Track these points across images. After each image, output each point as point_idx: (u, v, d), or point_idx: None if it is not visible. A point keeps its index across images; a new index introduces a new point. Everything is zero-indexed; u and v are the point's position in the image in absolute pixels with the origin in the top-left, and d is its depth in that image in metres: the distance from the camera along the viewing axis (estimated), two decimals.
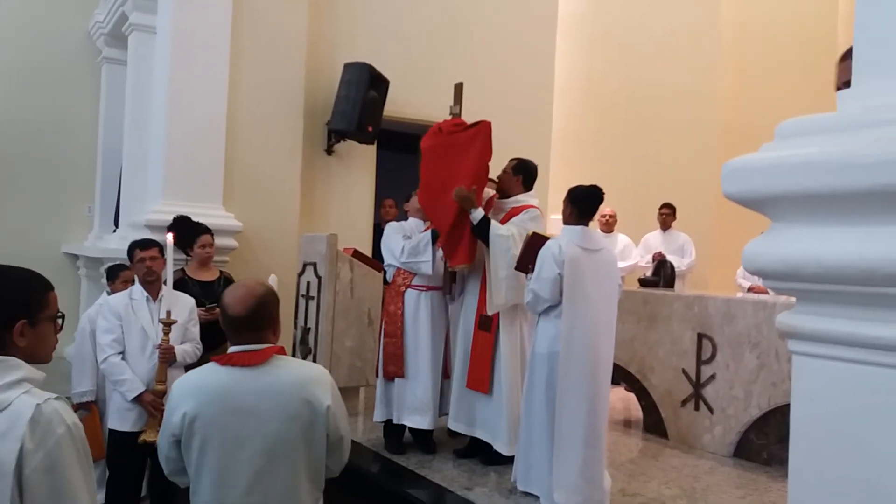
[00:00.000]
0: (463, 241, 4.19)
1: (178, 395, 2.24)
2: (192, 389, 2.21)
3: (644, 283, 5.90)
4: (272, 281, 2.62)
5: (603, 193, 3.70)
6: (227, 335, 2.28)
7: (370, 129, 6.13)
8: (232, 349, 2.24)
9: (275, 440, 2.19)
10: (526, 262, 3.83)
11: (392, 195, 6.95)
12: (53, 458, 1.50)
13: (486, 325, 4.08)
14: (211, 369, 2.24)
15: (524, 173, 4.33)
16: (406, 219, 4.73)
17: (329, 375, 2.35)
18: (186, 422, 2.17)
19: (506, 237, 4.06)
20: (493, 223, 4.15)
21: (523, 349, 4.07)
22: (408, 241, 4.40)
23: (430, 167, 4.26)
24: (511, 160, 4.40)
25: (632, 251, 7.22)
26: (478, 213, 4.14)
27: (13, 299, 1.61)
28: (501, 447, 3.93)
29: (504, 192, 4.31)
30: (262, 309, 2.23)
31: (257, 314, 2.22)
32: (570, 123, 7.67)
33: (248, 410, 2.16)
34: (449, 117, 4.60)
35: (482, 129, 4.25)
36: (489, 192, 4.42)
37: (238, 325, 2.22)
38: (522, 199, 4.30)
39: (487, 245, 4.10)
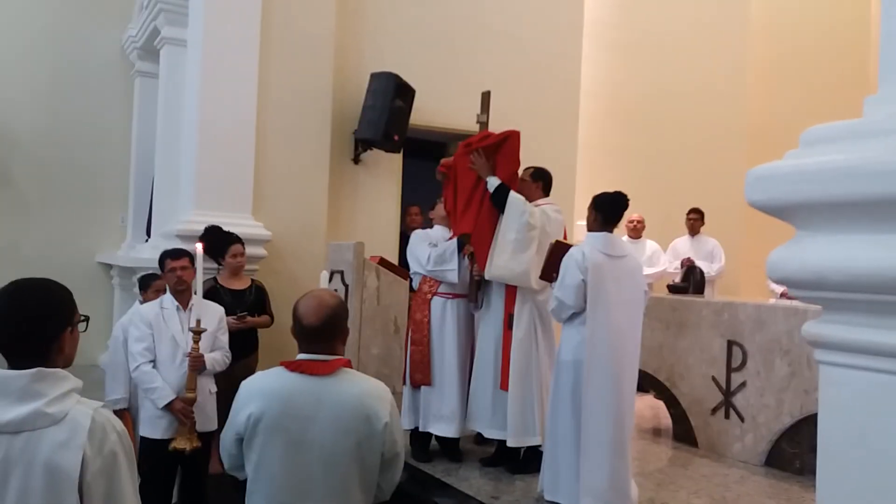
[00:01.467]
0: (478, 214, 4.09)
1: (245, 395, 2.27)
2: (259, 391, 2.24)
3: (673, 289, 5.90)
4: (323, 278, 2.71)
5: (627, 200, 3.66)
6: (298, 343, 2.30)
7: (396, 137, 6.16)
8: (301, 356, 2.27)
9: (332, 450, 2.22)
10: (550, 269, 3.80)
11: (418, 203, 6.97)
12: (108, 463, 1.57)
13: (513, 324, 4.08)
14: (279, 373, 2.27)
15: (543, 179, 4.33)
16: (431, 227, 4.72)
17: (389, 392, 2.38)
18: (251, 422, 2.20)
19: (523, 203, 4.07)
20: (512, 191, 4.13)
21: (537, 348, 3.99)
22: (434, 248, 4.38)
23: (463, 178, 4.20)
24: (527, 169, 4.37)
25: (660, 257, 7.15)
26: (494, 180, 4.12)
27: (64, 310, 1.67)
28: (508, 439, 3.90)
29: (526, 198, 4.12)
30: (334, 320, 2.26)
31: (329, 325, 2.25)
32: (596, 128, 7.64)
33: (309, 417, 2.19)
34: (476, 126, 4.58)
35: (513, 137, 4.20)
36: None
37: (309, 334, 2.24)
38: (542, 203, 4.20)
39: (501, 211, 4.04)
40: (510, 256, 4.03)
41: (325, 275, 2.79)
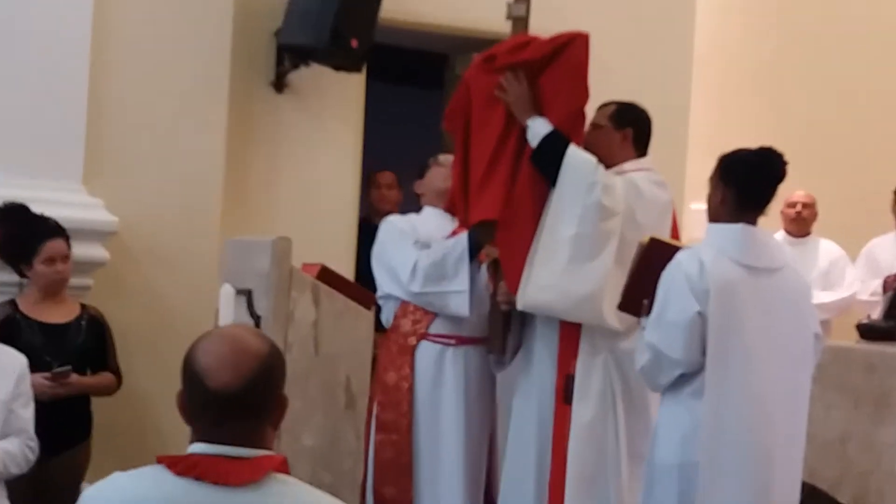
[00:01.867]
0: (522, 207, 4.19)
1: None
2: None
3: (868, 331, 5.63)
4: (225, 299, 2.78)
5: (784, 164, 3.60)
6: (191, 423, 2.16)
7: (354, 42, 5.87)
8: (197, 449, 2.12)
9: None
10: (639, 293, 3.70)
11: (393, 165, 6.74)
12: None
13: (572, 394, 4.08)
14: (155, 479, 2.12)
15: (634, 125, 4.24)
16: (418, 209, 4.70)
17: None
18: None
19: (594, 166, 4.04)
20: (573, 146, 4.11)
21: (616, 438, 4.05)
22: (424, 252, 4.35)
23: (483, 121, 4.22)
24: (604, 105, 4.27)
25: (845, 271, 6.90)
26: (541, 124, 4.10)
27: None
28: None
29: (597, 155, 4.13)
30: (264, 382, 2.09)
31: (255, 390, 2.08)
32: (724, 50, 7.68)
33: None
34: (505, 27, 4.45)
35: (576, 44, 4.11)
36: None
37: (220, 407, 2.09)
38: (632, 169, 4.20)
39: (553, 182, 4.08)
40: (566, 268, 3.99)
41: (226, 293, 2.74)
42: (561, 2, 6.13)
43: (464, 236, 4.30)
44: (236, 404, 2.12)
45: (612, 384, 4.11)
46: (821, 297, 6.32)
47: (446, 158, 4.69)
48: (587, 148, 4.15)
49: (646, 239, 3.78)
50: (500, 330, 4.27)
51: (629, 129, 4.21)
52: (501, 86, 4.15)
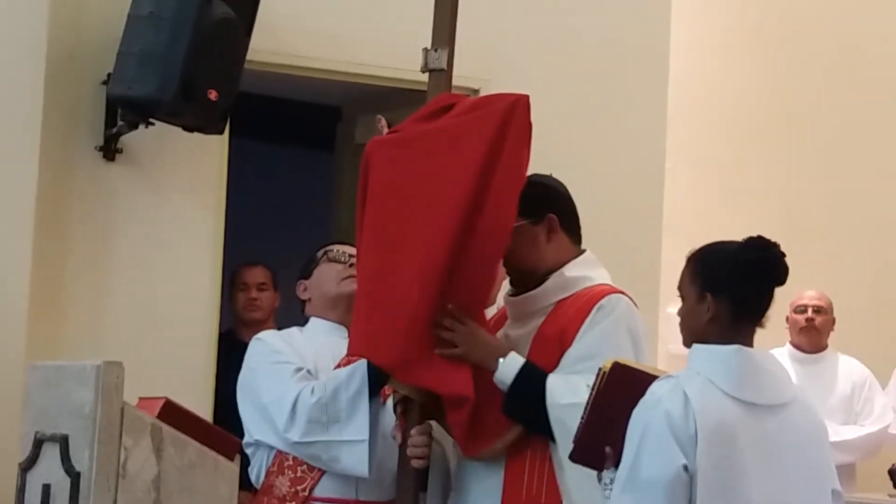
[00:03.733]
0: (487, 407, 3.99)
1: None
2: None
3: None
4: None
5: (782, 256, 3.43)
6: None
7: (213, 94, 5.76)
8: None
9: None
10: (598, 436, 3.59)
11: (267, 258, 6.53)
12: None
13: None
14: None
15: (553, 206, 4.10)
16: (302, 320, 4.51)
17: None
18: None
19: (581, 407, 3.81)
20: (552, 380, 3.91)
21: None
22: (309, 385, 4.13)
23: (389, 194, 4.13)
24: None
25: (874, 397, 7.04)
26: (511, 365, 3.92)
27: None
28: None
29: (522, 266, 4.12)
30: None
31: None
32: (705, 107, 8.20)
33: None
34: (416, 70, 4.28)
35: (520, 109, 3.91)
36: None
37: None
38: (574, 272, 4.07)
39: (542, 431, 3.94)
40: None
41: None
42: (499, 48, 6.17)
43: (363, 364, 4.10)
44: None
45: None
46: (842, 432, 6.58)
47: (342, 252, 4.50)
48: (510, 264, 4.07)
49: (607, 365, 3.64)
50: (412, 495, 4.16)
51: (551, 216, 4.05)
52: (443, 340, 3.99)
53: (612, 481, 3.57)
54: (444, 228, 4.04)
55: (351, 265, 4.44)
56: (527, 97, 4.00)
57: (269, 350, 4.37)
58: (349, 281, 4.42)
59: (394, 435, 4.13)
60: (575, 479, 3.93)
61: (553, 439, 3.89)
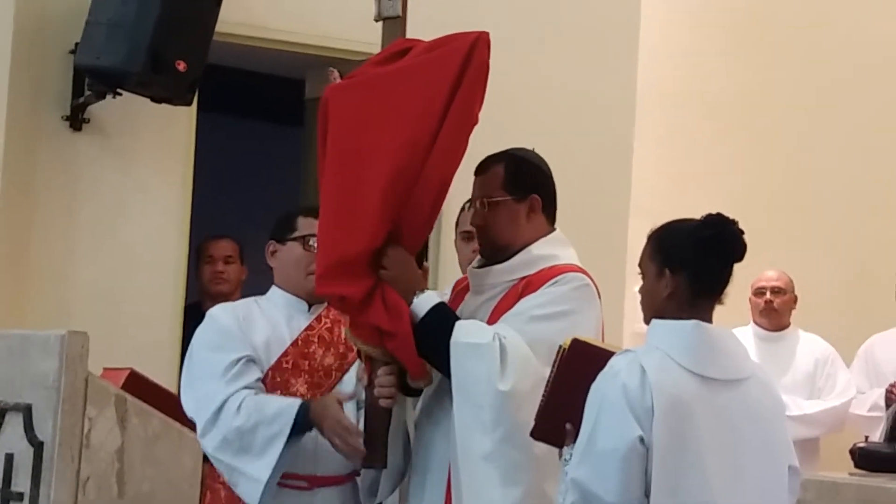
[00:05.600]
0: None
1: None
2: None
3: (865, 458, 5.62)
4: None
5: (740, 234, 3.44)
6: None
7: (181, 65, 5.81)
8: None
9: None
10: (558, 414, 3.61)
11: (233, 230, 6.55)
12: None
13: None
14: None
15: (541, 188, 4.14)
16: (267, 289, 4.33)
17: None
18: None
19: (483, 348, 3.91)
20: (462, 322, 3.95)
21: None
22: (239, 395, 4.10)
23: (348, 138, 4.13)
24: (484, 169, 4.17)
25: (836, 373, 6.97)
26: (426, 300, 3.98)
27: None
28: None
29: (497, 239, 4.12)
30: None
31: None
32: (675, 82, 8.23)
33: None
34: (373, 33, 4.28)
35: (479, 49, 3.94)
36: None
37: None
38: (542, 250, 4.10)
39: (448, 375, 3.93)
40: (499, 491, 3.94)
41: None
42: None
43: (292, 409, 4.09)
44: None
45: None
46: (805, 406, 6.67)
47: (307, 223, 4.37)
48: (485, 236, 4.11)
49: (567, 342, 3.66)
50: (382, 434, 4.16)
51: (534, 197, 4.09)
52: (382, 264, 4.02)
53: (571, 457, 3.62)
54: (399, 167, 4.11)
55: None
56: (486, 34, 4.03)
57: (214, 331, 4.33)
58: (306, 260, 4.43)
59: (360, 377, 4.17)
60: (460, 429, 4.01)
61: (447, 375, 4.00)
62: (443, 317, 4.00)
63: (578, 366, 3.65)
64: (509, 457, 3.91)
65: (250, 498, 4.07)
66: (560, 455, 3.68)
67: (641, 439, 3.40)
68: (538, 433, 3.72)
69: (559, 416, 3.66)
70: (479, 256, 4.27)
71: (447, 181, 4.12)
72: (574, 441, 3.57)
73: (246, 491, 4.08)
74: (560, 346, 3.73)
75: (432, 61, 4.09)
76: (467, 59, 4.04)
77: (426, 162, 4.07)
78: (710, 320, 3.53)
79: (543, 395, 3.74)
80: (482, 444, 3.90)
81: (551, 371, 3.73)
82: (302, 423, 4.12)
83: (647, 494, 3.44)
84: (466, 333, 3.94)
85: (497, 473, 3.95)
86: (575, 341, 3.71)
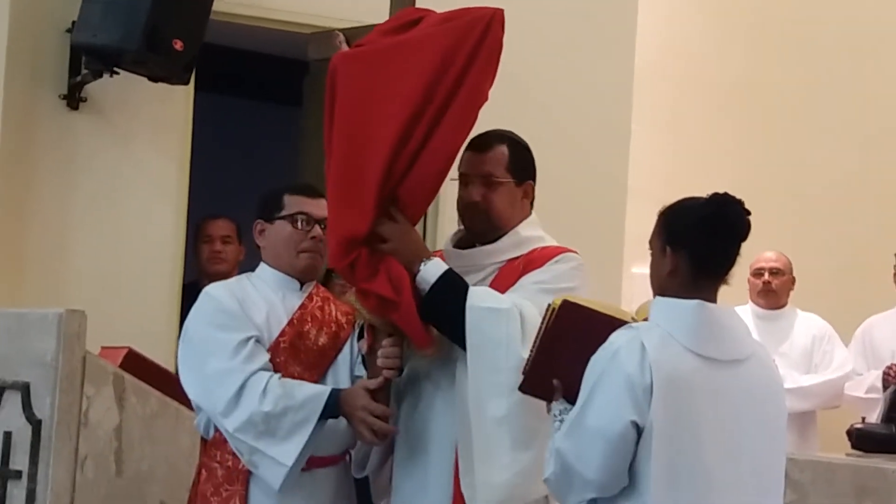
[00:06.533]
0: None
1: None
2: None
3: (862, 439, 5.68)
4: None
5: (746, 213, 3.44)
6: None
7: (178, 44, 5.79)
8: None
9: None
10: (546, 370, 3.61)
11: (231, 210, 6.48)
12: None
13: None
14: None
15: (533, 173, 4.17)
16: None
17: None
18: None
19: (503, 313, 3.92)
20: (476, 288, 3.92)
21: None
22: (262, 377, 4.02)
23: (356, 108, 4.11)
24: (484, 146, 4.12)
25: (833, 350, 6.97)
26: (436, 266, 3.95)
27: None
28: None
29: (491, 216, 4.10)
30: None
31: None
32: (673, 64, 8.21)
33: None
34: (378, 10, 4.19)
35: (486, 21, 3.92)
36: None
37: None
38: (528, 232, 4.14)
39: (459, 340, 3.92)
40: (514, 459, 3.94)
41: None
42: None
43: (322, 396, 4.06)
44: None
45: None
46: (801, 380, 6.69)
47: (305, 217, 4.36)
48: (482, 214, 4.07)
49: (557, 302, 3.69)
50: (384, 402, 4.14)
51: (530, 183, 4.17)
52: (377, 235, 3.99)
53: (560, 412, 3.57)
54: (401, 137, 4.11)
55: (312, 237, 4.37)
56: (501, 12, 4.04)
57: (216, 310, 4.23)
58: (306, 256, 4.37)
59: (360, 348, 4.17)
60: (475, 392, 3.99)
61: (464, 347, 3.92)
62: (454, 283, 4.01)
63: (569, 326, 3.66)
64: (523, 421, 3.92)
65: (273, 480, 4.07)
66: (548, 409, 3.71)
67: (634, 424, 3.40)
68: (527, 387, 3.75)
69: (548, 372, 3.68)
70: (455, 235, 4.28)
71: (453, 155, 4.08)
72: (561, 396, 3.62)
73: (268, 473, 4.08)
74: (549, 305, 3.74)
75: (446, 33, 4.06)
76: (483, 35, 4.03)
77: (434, 134, 4.05)
78: (713, 300, 3.51)
79: (533, 350, 3.74)
80: (498, 406, 3.92)
81: (540, 328, 3.73)
82: (330, 411, 4.12)
83: (627, 476, 3.52)
84: (482, 298, 3.95)
85: (509, 437, 3.95)
86: (565, 301, 3.72)
